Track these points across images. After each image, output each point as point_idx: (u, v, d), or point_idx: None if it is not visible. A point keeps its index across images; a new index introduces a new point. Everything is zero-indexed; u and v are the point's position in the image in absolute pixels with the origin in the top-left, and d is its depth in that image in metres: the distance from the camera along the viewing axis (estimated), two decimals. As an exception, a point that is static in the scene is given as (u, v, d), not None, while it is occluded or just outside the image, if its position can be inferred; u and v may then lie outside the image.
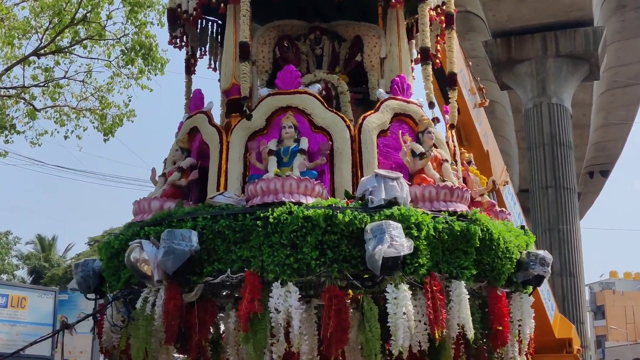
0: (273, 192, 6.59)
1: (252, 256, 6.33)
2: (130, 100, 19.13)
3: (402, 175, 6.84)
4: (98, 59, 17.80)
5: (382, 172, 6.78)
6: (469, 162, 8.75)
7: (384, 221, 6.24)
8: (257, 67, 8.38)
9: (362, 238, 6.31)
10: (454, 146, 8.20)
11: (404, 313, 6.16)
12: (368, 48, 8.39)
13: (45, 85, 17.67)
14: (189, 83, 9.41)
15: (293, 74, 7.51)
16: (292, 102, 7.41)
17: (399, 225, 6.27)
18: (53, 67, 17.71)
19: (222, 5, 7.97)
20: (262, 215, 6.37)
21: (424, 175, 7.12)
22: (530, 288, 7.48)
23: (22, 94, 17.83)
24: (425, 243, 6.46)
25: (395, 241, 6.12)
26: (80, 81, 18.12)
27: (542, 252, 7.37)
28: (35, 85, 17.70)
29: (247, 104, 7.36)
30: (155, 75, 17.76)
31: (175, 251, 6.31)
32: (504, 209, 8.34)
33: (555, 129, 18.80)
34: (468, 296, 6.55)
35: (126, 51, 17.40)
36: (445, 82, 12.60)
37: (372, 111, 7.52)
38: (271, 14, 8.87)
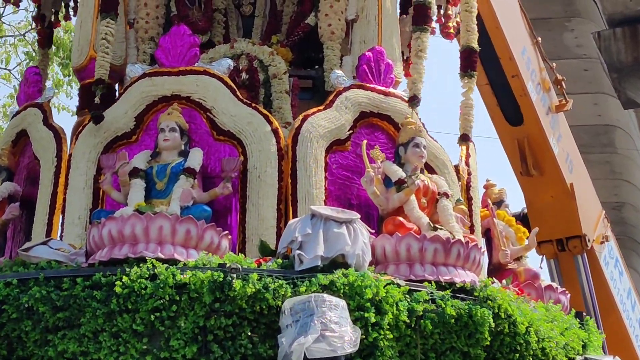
0: (129, 240, 6.05)
1: (83, 352, 5.74)
2: None
3: (358, 216, 6.26)
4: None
5: (322, 210, 6.21)
6: (500, 203, 8.17)
7: (313, 295, 5.66)
8: (138, 32, 7.93)
9: (278, 324, 5.72)
10: (469, 173, 7.63)
11: None
12: (326, 4, 7.89)
13: None
14: (44, 59, 8.98)
15: (185, 41, 7.03)
16: (180, 88, 6.95)
17: (341, 302, 5.69)
18: None
19: None
20: (102, 280, 5.80)
21: (400, 219, 6.54)
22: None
23: None
24: (390, 336, 5.87)
25: (330, 330, 5.52)
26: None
27: (610, 358, 6.74)
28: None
29: (100, 92, 6.85)
30: None
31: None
32: (556, 286, 7.71)
33: None
34: None
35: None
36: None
37: (320, 106, 6.97)
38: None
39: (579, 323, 6.98)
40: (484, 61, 12.17)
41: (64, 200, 6.87)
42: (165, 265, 5.84)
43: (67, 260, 6.19)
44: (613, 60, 19.35)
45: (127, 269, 5.84)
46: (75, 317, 5.83)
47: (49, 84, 7.77)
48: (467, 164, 7.68)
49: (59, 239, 6.70)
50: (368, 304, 5.83)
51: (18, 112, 7.62)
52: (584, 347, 6.89)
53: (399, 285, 6.02)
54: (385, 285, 5.95)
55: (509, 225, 8.00)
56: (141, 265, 5.85)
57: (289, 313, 5.67)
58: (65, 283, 5.90)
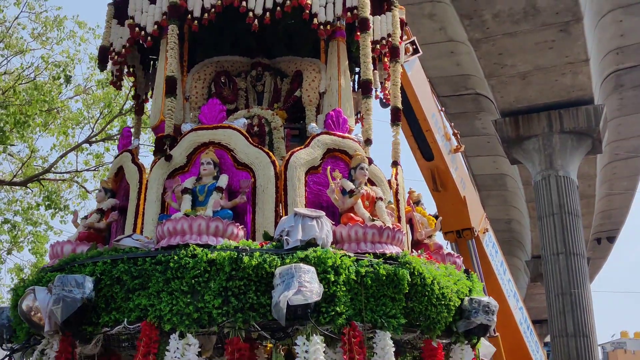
0: (180, 233, 5.74)
1: (150, 304, 5.44)
2: None
3: (324, 214, 5.93)
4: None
5: (301, 210, 5.88)
6: (417, 202, 7.81)
7: (294, 264, 5.33)
8: (190, 104, 7.63)
9: (272, 284, 5.38)
10: (397, 184, 7.26)
11: (315, 368, 5.16)
12: (306, 82, 7.61)
13: (96, 169, 18.39)
14: (137, 124, 8.66)
15: (217, 108, 6.73)
16: (214, 138, 6.60)
17: (312, 269, 5.36)
18: (103, 153, 18.39)
19: (148, 39, 7.19)
20: (162, 259, 5.49)
21: (351, 215, 6.20)
22: (475, 339, 6.43)
23: (75, 177, 18.49)
24: (344, 289, 5.53)
25: (304, 287, 5.19)
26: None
27: (487, 298, 6.38)
28: (87, 170, 18.42)
29: (168, 142, 6.54)
30: None
31: (65, 299, 5.44)
32: (453, 253, 7.34)
33: (564, 199, 19.16)
34: (394, 348, 5.53)
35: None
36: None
37: (301, 146, 6.63)
38: (215, 51, 8.12)
39: (466, 276, 6.60)
40: (409, 120, 12.06)
41: (144, 209, 6.54)
42: (201, 248, 5.52)
43: (142, 246, 5.87)
44: (504, 136, 19.56)
45: (178, 251, 5.53)
46: (145, 283, 5.52)
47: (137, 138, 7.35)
48: (396, 179, 7.32)
49: (140, 233, 6.35)
50: (329, 269, 5.50)
51: (117, 156, 7.28)
52: (470, 291, 6.52)
53: (349, 256, 5.69)
54: (341, 257, 5.61)
55: (423, 216, 7.65)
56: (186, 248, 5.53)
57: (278, 276, 5.36)
58: (140, 261, 5.59)
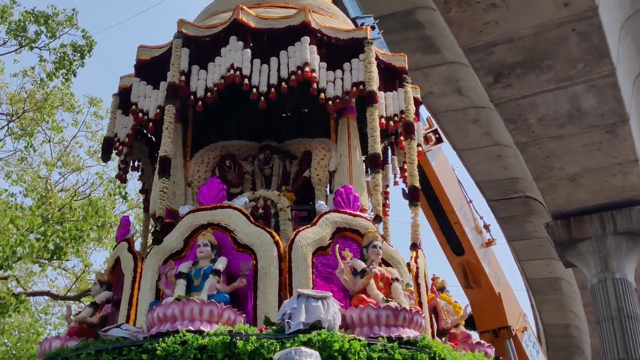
0: (170, 319, 5.30)
1: (135, 400, 4.86)
2: None
3: (330, 294, 5.45)
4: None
5: (305, 291, 5.42)
6: (442, 289, 7.24)
7: (294, 348, 4.78)
8: (193, 189, 7.28)
9: (271, 373, 4.82)
10: (417, 268, 6.74)
11: None
12: (315, 161, 7.29)
13: None
14: (146, 220, 8.36)
15: (216, 187, 6.43)
16: (213, 219, 6.24)
17: (315, 352, 4.80)
18: None
19: (150, 124, 7.01)
20: (149, 347, 5.01)
21: (363, 296, 5.69)
22: None
23: None
24: (354, 376, 4.91)
25: (305, 373, 4.60)
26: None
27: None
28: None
29: (159, 225, 6.20)
30: None
31: (41, 396, 4.91)
32: (483, 342, 6.68)
33: (622, 302, 18.38)
34: None
35: None
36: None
37: (309, 226, 6.22)
38: (222, 137, 7.92)
39: (497, 364, 5.94)
40: (436, 213, 11.65)
41: (138, 299, 6.10)
42: (192, 334, 5.03)
43: (131, 336, 5.42)
44: (557, 239, 19.12)
45: (166, 338, 5.04)
46: (131, 375, 5.01)
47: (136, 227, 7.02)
48: (415, 261, 6.81)
49: (133, 324, 5.89)
50: (336, 354, 4.95)
51: (115, 247, 6.94)
52: (503, 382, 5.84)
53: (358, 340, 5.12)
54: (349, 340, 5.06)
55: (449, 303, 7.07)
56: (175, 335, 5.05)
57: (277, 362, 4.79)
58: (125, 350, 5.12)
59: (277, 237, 6.08)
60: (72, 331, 6.18)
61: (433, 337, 6.76)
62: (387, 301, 5.64)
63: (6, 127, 15.82)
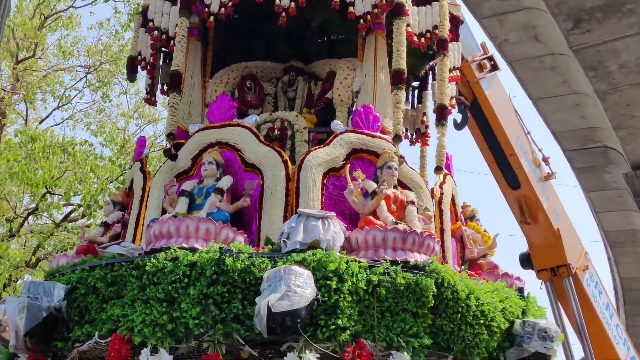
0: (166, 236, 5.16)
1: (123, 315, 4.80)
2: None
3: (334, 214, 5.18)
4: None
5: (306, 211, 5.16)
6: (472, 218, 6.85)
7: (283, 266, 4.55)
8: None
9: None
10: (441, 193, 6.37)
11: (307, 393, 4.32)
12: (338, 81, 6.92)
13: None
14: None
15: (226, 104, 6.19)
16: (221, 137, 6.03)
17: (307, 272, 4.58)
18: None
19: (171, 43, 6.81)
20: (140, 263, 4.87)
21: (371, 218, 5.40)
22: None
23: None
24: (350, 299, 4.70)
25: (293, 292, 4.40)
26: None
27: (544, 322, 5.31)
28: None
29: (171, 141, 6.04)
30: None
31: (29, 307, 4.91)
32: (511, 274, 6.28)
33: None
34: (413, 374, 4.59)
35: None
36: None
37: (321, 146, 5.92)
38: (248, 58, 7.63)
39: (519, 295, 5.54)
40: (490, 145, 11.11)
41: (144, 217, 6.01)
42: (184, 250, 4.87)
43: (127, 253, 5.30)
44: (636, 189, 18.28)
45: (157, 255, 4.91)
46: (121, 291, 4.91)
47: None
48: (440, 187, 6.44)
49: (138, 244, 5.79)
50: (331, 274, 4.69)
51: (131, 167, 6.85)
52: (523, 313, 5.46)
53: (358, 262, 4.85)
54: (347, 262, 4.79)
55: (477, 232, 6.68)
56: (167, 251, 4.91)
57: (266, 280, 4.61)
58: (116, 266, 5.00)
59: (286, 157, 5.82)
60: (80, 249, 6.15)
61: (460, 266, 6.44)
62: (397, 224, 5.33)
63: (84, 78, 16.05)
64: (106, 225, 6.41)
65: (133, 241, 5.96)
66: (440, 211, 6.29)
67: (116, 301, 4.89)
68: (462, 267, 6.06)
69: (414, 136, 8.14)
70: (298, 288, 4.45)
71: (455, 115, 10.28)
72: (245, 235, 5.39)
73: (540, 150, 11.83)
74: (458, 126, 10.61)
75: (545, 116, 13.72)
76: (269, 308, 4.36)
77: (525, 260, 11.67)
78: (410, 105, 8.26)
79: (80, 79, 16.12)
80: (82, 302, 5.02)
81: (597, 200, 19.06)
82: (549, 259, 11.10)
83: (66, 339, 5.02)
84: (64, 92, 15.65)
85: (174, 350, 4.68)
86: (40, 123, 15.73)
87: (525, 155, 11.35)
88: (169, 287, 4.72)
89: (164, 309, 4.69)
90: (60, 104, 15.80)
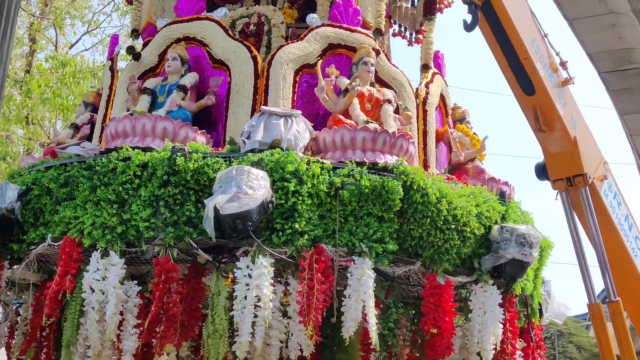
0: (122, 135, 4.89)
1: (75, 217, 4.59)
2: None
3: (299, 113, 4.85)
4: None
5: (269, 108, 4.83)
6: (462, 120, 6.46)
7: (236, 166, 4.28)
8: (187, 6, 6.63)
9: (215, 193, 4.37)
10: (427, 93, 5.99)
11: (258, 298, 4.12)
12: (321, -30, 6.40)
13: None
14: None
15: (194, -3, 5.75)
16: (189, 32, 5.69)
17: (262, 173, 4.30)
18: None
19: None
20: (92, 163, 4.64)
21: (340, 117, 5.06)
22: (507, 279, 5.07)
23: None
24: (309, 202, 4.43)
25: (244, 193, 4.13)
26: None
27: (524, 227, 4.99)
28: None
29: (134, 38, 5.72)
30: None
31: (-20, 209, 4.70)
32: (498, 178, 5.93)
33: None
34: (372, 278, 4.36)
35: None
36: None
37: (293, 40, 5.53)
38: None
39: (500, 200, 5.21)
40: (503, 47, 10.50)
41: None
42: (136, 150, 4.61)
43: (85, 154, 5.08)
44: None
45: (109, 155, 4.66)
46: (73, 192, 4.70)
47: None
48: (427, 86, 6.04)
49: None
50: (289, 176, 4.40)
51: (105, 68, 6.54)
52: (503, 218, 5.15)
53: (323, 163, 4.55)
54: (309, 163, 4.50)
55: (466, 135, 6.30)
56: (120, 151, 4.65)
57: (218, 181, 4.34)
58: (69, 167, 4.78)
59: (255, 52, 5.46)
60: (47, 151, 5.96)
61: (452, 171, 6.11)
62: (367, 122, 4.99)
63: (112, 2, 15.83)
64: (76, 127, 6.18)
65: (100, 142, 5.73)
66: (425, 112, 5.92)
67: (69, 203, 4.69)
68: (443, 170, 5.72)
69: (413, 36, 7.67)
70: (250, 189, 4.18)
71: (465, 15, 9.71)
72: (209, 135, 5.12)
73: (557, 54, 11.16)
74: (468, 27, 10.01)
75: (581, 37, 13.01)
76: (217, 210, 4.11)
77: (541, 171, 11.23)
78: (410, 2, 7.76)
79: (108, 3, 16.04)
80: (36, 203, 4.83)
81: (632, 123, 18.40)
82: (564, 169, 10.61)
83: (21, 241, 4.86)
84: (93, 16, 15.63)
85: (126, 254, 4.50)
86: (70, 48, 15.73)
87: (541, 59, 10.71)
88: (120, 188, 4.49)
89: (115, 211, 4.48)
90: (89, 29, 15.79)
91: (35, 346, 5.11)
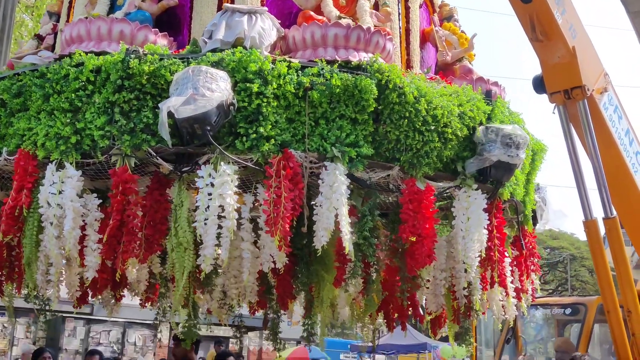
0: (77, 40, 4.55)
1: (29, 128, 4.29)
2: None
3: (266, 10, 4.47)
4: None
5: (232, 5, 4.46)
6: (449, 18, 6.03)
7: (192, 67, 3.95)
8: None
9: (173, 97, 4.05)
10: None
11: (222, 208, 3.86)
12: None
13: None
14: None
15: None
16: None
17: (221, 73, 3.97)
18: None
19: None
20: (44, 71, 4.31)
21: (311, 13, 4.68)
22: (493, 183, 4.77)
23: None
24: (275, 104, 4.10)
25: (200, 94, 3.81)
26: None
27: (510, 128, 4.64)
28: None
29: None
30: None
31: None
32: (487, 79, 5.54)
33: None
34: (345, 185, 4.07)
35: None
36: None
37: None
38: None
39: (486, 100, 4.85)
40: None
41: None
42: (89, 55, 4.28)
43: (41, 62, 4.74)
44: None
45: (60, 62, 4.34)
46: (26, 102, 4.39)
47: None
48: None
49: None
50: (252, 76, 4.07)
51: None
52: (489, 119, 4.81)
53: (290, 62, 4.21)
54: (274, 62, 4.15)
55: (453, 33, 5.88)
56: (72, 56, 4.32)
57: (174, 84, 4.01)
58: (22, 75, 4.46)
59: (223, -53, 5.02)
60: (9, 65, 5.61)
61: (438, 72, 5.73)
62: (340, 17, 4.61)
63: None
64: (40, 38, 5.83)
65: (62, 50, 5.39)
66: (407, 9, 5.51)
67: (23, 114, 4.40)
68: (425, 70, 5.35)
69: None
70: (207, 91, 3.86)
71: None
72: (171, 38, 4.76)
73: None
74: None
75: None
76: (172, 114, 3.81)
77: (539, 84, 10.78)
78: None
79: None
80: (-10, 116, 4.55)
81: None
82: (562, 80, 10.10)
83: (-24, 157, 4.60)
84: None
85: (82, 167, 4.22)
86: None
87: None
88: (73, 95, 4.19)
89: (68, 120, 4.19)
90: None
91: (7, 266, 4.93)
